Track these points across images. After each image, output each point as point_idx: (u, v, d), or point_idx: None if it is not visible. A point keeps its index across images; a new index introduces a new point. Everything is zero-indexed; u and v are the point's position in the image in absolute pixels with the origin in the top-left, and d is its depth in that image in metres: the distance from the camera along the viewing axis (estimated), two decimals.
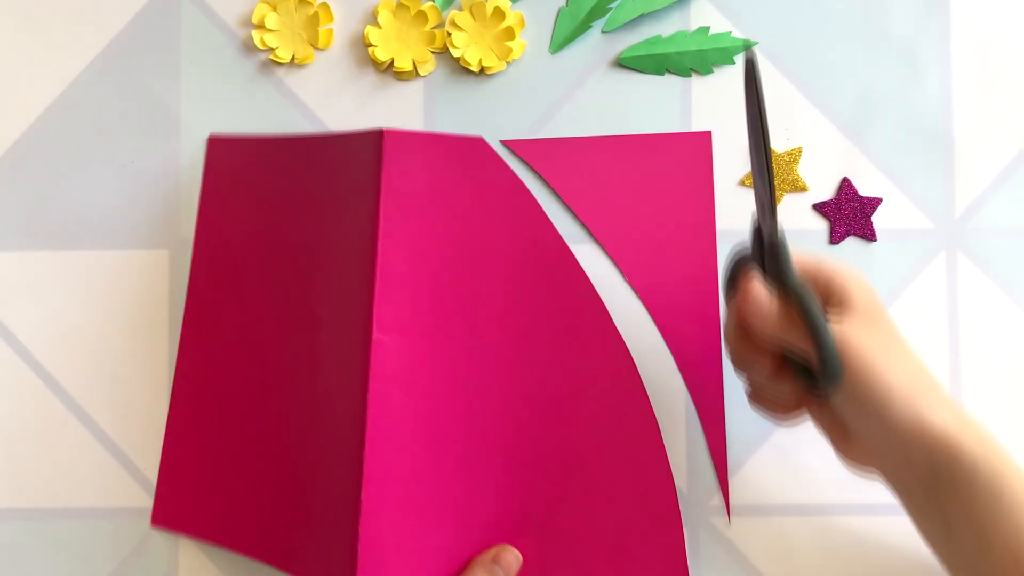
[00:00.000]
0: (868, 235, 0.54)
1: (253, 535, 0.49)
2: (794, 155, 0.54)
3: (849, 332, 0.40)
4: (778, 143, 0.55)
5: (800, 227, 0.54)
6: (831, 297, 0.42)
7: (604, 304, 0.46)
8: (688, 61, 0.55)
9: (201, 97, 0.56)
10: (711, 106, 0.55)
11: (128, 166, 0.56)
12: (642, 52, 0.55)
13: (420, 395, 0.45)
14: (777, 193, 0.54)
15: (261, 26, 0.55)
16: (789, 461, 0.54)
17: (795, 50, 0.55)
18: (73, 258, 0.56)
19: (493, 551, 0.46)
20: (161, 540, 0.55)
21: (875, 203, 0.54)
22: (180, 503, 0.52)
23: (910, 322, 0.54)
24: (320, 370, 0.47)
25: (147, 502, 0.55)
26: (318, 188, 0.47)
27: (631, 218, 0.53)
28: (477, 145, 0.45)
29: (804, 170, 0.55)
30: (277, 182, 0.49)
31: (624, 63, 0.55)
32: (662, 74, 0.55)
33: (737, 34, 0.55)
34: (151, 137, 0.56)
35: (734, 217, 0.54)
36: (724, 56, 0.55)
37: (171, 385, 0.55)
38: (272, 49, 0.55)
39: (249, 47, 0.56)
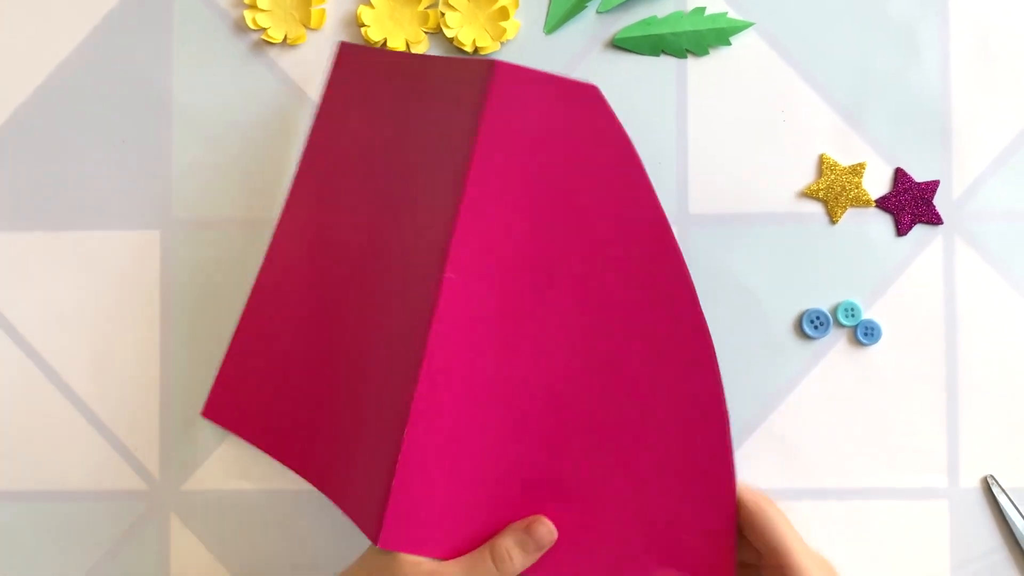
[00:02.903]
0: (933, 219, 0.53)
1: (297, 448, 0.49)
2: (858, 169, 0.53)
3: None
4: (775, 126, 0.54)
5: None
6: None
7: (694, 289, 0.43)
8: (684, 42, 0.54)
9: (193, 77, 0.55)
10: (707, 88, 0.54)
11: (119, 146, 0.55)
12: (637, 33, 0.54)
13: (481, 342, 0.43)
14: (838, 210, 0.53)
15: (253, 6, 0.55)
16: (784, 445, 0.54)
17: (791, 30, 0.54)
18: (63, 239, 0.55)
19: (528, 520, 0.44)
20: (153, 522, 0.55)
21: (933, 186, 0.53)
22: (233, 401, 0.51)
23: (907, 307, 0.54)
24: (391, 299, 0.45)
25: (139, 484, 0.55)
26: (423, 112, 0.45)
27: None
28: (590, 93, 0.41)
29: (796, 151, 0.54)
30: (392, 99, 0.47)
31: (619, 44, 0.54)
32: (657, 55, 0.54)
33: (733, 15, 0.54)
34: (142, 117, 0.55)
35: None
36: (720, 37, 0.54)
37: (161, 367, 0.55)
38: (264, 29, 0.55)
39: (241, 27, 0.56)
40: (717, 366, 0.45)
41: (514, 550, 0.43)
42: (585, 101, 0.42)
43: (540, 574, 0.45)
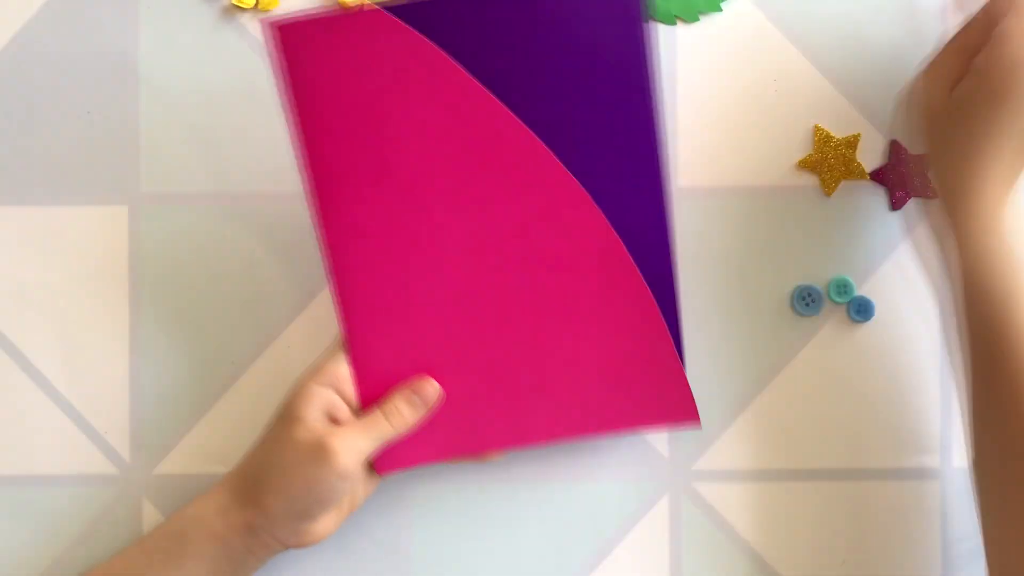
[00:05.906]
0: (928, 193, 0.52)
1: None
2: (852, 141, 0.52)
3: None
4: (768, 96, 0.53)
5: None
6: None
7: (550, 153, 0.45)
8: (674, 8, 0.53)
9: (160, 44, 0.53)
10: (697, 56, 0.53)
11: (84, 117, 0.53)
12: None
13: (390, 281, 0.47)
14: (831, 183, 0.52)
15: None
16: (775, 425, 0.53)
17: None
18: (26, 215, 0.53)
19: (413, 382, 0.49)
20: (125, 508, 0.53)
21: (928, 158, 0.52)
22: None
23: (901, 284, 0.53)
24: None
25: (108, 468, 0.53)
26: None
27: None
28: (378, 17, 0.43)
29: (789, 121, 0.53)
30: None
31: None
32: (647, 22, 0.53)
33: None
34: (108, 86, 0.53)
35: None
36: (711, 3, 0.52)
37: (131, 348, 0.53)
38: None
39: None
40: (604, 219, 0.46)
41: (402, 406, 0.48)
42: (378, 26, 0.43)
43: (520, 443, 0.50)
